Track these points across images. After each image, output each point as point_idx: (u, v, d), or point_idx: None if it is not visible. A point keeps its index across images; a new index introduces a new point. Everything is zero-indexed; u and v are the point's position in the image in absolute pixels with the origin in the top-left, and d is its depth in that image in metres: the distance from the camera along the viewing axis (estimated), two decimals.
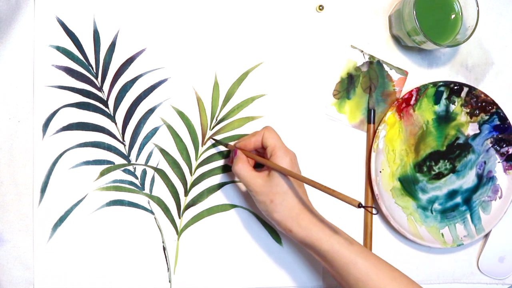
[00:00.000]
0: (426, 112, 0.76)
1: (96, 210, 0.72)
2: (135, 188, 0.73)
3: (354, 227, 0.76)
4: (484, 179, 0.77)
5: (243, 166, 0.67)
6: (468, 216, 0.77)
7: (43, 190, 0.71)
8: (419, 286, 0.64)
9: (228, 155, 0.74)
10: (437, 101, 0.76)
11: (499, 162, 0.78)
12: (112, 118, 0.73)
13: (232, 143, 0.72)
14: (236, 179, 0.74)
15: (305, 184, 0.66)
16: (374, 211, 0.56)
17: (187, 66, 0.74)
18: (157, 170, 0.73)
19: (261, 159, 0.67)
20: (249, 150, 0.69)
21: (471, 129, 0.77)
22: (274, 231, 0.75)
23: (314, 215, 0.66)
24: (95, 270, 0.72)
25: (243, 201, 0.74)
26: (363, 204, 0.56)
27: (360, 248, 0.65)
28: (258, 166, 0.70)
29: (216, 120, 0.74)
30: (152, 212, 0.73)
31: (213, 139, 0.73)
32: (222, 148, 0.74)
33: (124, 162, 0.73)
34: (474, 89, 0.76)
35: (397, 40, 0.77)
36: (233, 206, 0.74)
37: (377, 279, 0.63)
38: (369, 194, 0.75)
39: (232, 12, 0.74)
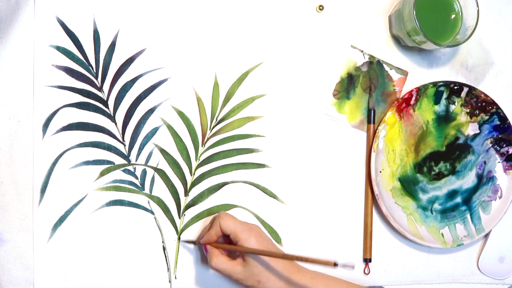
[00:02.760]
0: (426, 112, 0.76)
1: (96, 210, 0.72)
2: (135, 188, 0.73)
3: (354, 227, 0.76)
4: (484, 179, 0.77)
5: (218, 259, 0.66)
6: (468, 216, 0.77)
7: (43, 190, 0.71)
8: None
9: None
10: (437, 101, 0.76)
11: (499, 162, 0.78)
12: (112, 118, 0.73)
13: (196, 240, 0.72)
14: (238, 179, 0.74)
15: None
16: (352, 264, 0.57)
17: (187, 66, 0.74)
18: (157, 170, 0.73)
19: (230, 246, 0.67)
20: (214, 242, 0.68)
21: (471, 129, 0.77)
22: (274, 231, 0.75)
23: (304, 275, 0.66)
24: (95, 270, 0.72)
25: (243, 201, 0.74)
26: (339, 263, 0.57)
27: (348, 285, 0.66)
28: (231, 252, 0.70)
29: (216, 120, 0.74)
30: (152, 212, 0.73)
31: (182, 240, 0.73)
32: (223, 148, 0.74)
33: (124, 162, 0.73)
34: (474, 89, 0.76)
35: (397, 40, 0.77)
36: (233, 206, 0.74)
37: None
38: (369, 194, 0.75)
39: (232, 12, 0.74)
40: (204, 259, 0.73)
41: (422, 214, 0.76)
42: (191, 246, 0.73)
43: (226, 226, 0.66)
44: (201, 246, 0.71)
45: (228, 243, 0.68)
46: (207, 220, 0.74)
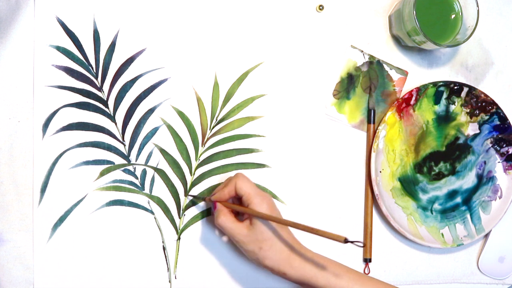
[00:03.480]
0: (426, 112, 0.76)
1: (96, 210, 0.72)
2: (135, 188, 0.73)
3: (354, 227, 0.76)
4: (484, 179, 0.77)
5: (225, 218, 0.66)
6: (468, 216, 0.77)
7: (43, 190, 0.71)
8: None
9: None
10: (437, 101, 0.76)
11: (499, 162, 0.78)
12: (112, 118, 0.73)
13: (207, 198, 0.71)
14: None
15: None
16: (360, 244, 0.56)
17: (187, 66, 0.74)
18: (157, 170, 0.73)
19: (241, 208, 0.66)
20: (225, 201, 0.68)
21: (471, 129, 0.77)
22: None
23: (304, 252, 0.65)
24: (95, 270, 0.72)
25: None
26: (349, 240, 0.56)
27: (356, 275, 0.65)
28: (238, 215, 0.69)
29: (216, 120, 0.74)
30: (152, 212, 0.73)
31: (191, 196, 0.73)
32: (223, 148, 0.74)
33: (124, 162, 0.73)
34: (474, 89, 0.76)
35: (397, 40, 0.77)
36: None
37: None
38: (369, 194, 0.75)
39: (232, 12, 0.74)
40: (204, 259, 0.73)
41: (422, 214, 0.76)
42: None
43: (241, 187, 0.66)
44: (210, 204, 0.70)
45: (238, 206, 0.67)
46: (207, 220, 0.74)
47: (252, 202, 0.65)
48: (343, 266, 0.66)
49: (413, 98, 0.75)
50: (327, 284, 0.64)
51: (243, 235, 0.65)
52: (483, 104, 0.76)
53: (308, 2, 0.75)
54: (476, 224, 0.77)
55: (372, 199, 0.75)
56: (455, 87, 0.76)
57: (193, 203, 0.74)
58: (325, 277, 0.64)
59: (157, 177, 0.73)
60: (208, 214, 0.74)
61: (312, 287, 0.65)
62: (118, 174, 0.72)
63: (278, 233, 0.65)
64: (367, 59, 0.76)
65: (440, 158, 0.77)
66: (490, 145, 0.77)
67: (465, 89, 0.76)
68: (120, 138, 0.73)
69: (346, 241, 0.57)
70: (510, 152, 0.77)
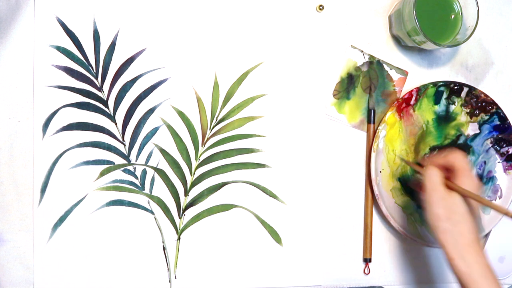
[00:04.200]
0: (426, 112, 0.76)
1: (96, 210, 0.72)
2: (135, 188, 0.73)
3: (354, 227, 0.76)
4: (484, 179, 0.77)
5: (438, 173, 0.64)
6: None
7: (43, 190, 0.71)
8: None
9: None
10: (437, 101, 0.76)
11: (499, 162, 0.78)
12: (112, 118, 0.73)
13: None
14: (238, 179, 0.74)
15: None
16: None
17: (187, 66, 0.74)
18: (157, 170, 0.73)
19: (452, 183, 0.65)
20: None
21: (471, 129, 0.77)
22: (274, 231, 0.75)
23: (481, 254, 0.62)
24: (95, 270, 0.72)
25: (243, 201, 0.74)
26: None
27: None
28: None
29: (216, 120, 0.74)
30: (152, 212, 0.73)
31: (403, 160, 0.73)
32: (223, 148, 0.74)
33: (124, 162, 0.73)
34: (474, 89, 0.76)
35: (397, 40, 0.77)
36: (233, 206, 0.74)
37: None
38: (369, 194, 0.75)
39: (232, 12, 0.74)
40: (204, 258, 0.73)
41: (422, 214, 0.76)
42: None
43: (460, 161, 0.65)
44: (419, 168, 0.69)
45: None
46: (207, 220, 0.74)
47: (465, 177, 0.64)
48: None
49: (413, 98, 0.75)
50: None
51: (440, 196, 0.63)
52: (483, 104, 0.76)
53: (308, 2, 0.75)
54: None
55: (372, 199, 0.75)
56: (455, 87, 0.76)
57: (192, 202, 0.74)
58: (489, 286, 0.61)
59: (157, 177, 0.73)
60: (208, 214, 0.74)
61: None
62: (118, 174, 0.72)
63: (469, 217, 0.63)
64: (367, 59, 0.76)
65: None
66: (490, 145, 0.77)
67: (465, 89, 0.76)
68: (120, 138, 0.73)
69: None
70: (510, 152, 0.77)
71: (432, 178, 0.65)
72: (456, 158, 0.66)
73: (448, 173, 0.66)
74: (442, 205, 0.63)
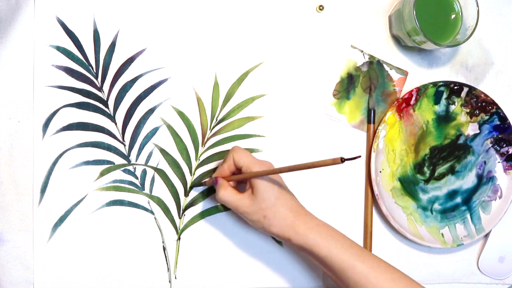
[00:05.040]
0: (426, 112, 0.76)
1: (96, 210, 0.72)
2: (135, 188, 0.73)
3: (354, 227, 0.76)
4: (484, 179, 0.77)
5: (226, 191, 0.66)
6: (468, 216, 0.77)
7: (43, 190, 0.71)
8: (421, 286, 0.64)
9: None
10: (437, 101, 0.76)
11: (499, 162, 0.78)
12: (112, 118, 0.73)
13: (208, 179, 0.72)
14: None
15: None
16: (358, 155, 0.56)
17: (187, 66, 0.74)
18: (157, 170, 0.73)
19: (240, 175, 0.67)
20: (227, 176, 0.68)
21: (471, 129, 0.77)
22: None
23: (309, 219, 0.65)
24: (95, 270, 0.72)
25: None
26: (345, 158, 0.55)
27: (358, 251, 0.64)
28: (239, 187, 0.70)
29: (216, 120, 0.74)
30: (152, 212, 0.73)
31: (196, 186, 0.73)
32: (223, 148, 0.74)
33: (124, 162, 0.73)
34: (474, 89, 0.76)
35: (397, 40, 0.77)
36: None
37: (376, 282, 0.63)
38: (369, 194, 0.75)
39: (232, 12, 0.74)
40: (204, 259, 0.73)
41: (422, 214, 0.76)
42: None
43: (239, 159, 0.66)
44: (213, 183, 0.70)
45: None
46: (207, 220, 0.74)
47: (252, 170, 0.65)
48: (347, 239, 0.65)
49: (413, 98, 0.75)
50: (328, 255, 0.64)
51: (246, 206, 0.65)
52: (483, 104, 0.76)
53: (308, 2, 0.75)
54: (476, 224, 0.77)
55: (372, 199, 0.75)
56: (455, 87, 0.76)
57: (192, 202, 0.74)
58: (327, 248, 0.64)
59: (157, 177, 0.73)
60: (208, 214, 0.74)
61: (313, 255, 0.65)
62: (118, 174, 0.72)
63: (281, 200, 0.65)
64: (367, 59, 0.76)
65: (440, 158, 0.77)
66: (490, 145, 0.77)
67: (465, 89, 0.76)
68: (120, 138, 0.73)
69: (343, 160, 0.55)
70: (510, 152, 0.77)
71: (226, 199, 0.66)
72: (235, 157, 0.67)
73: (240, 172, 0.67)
74: (252, 212, 0.65)
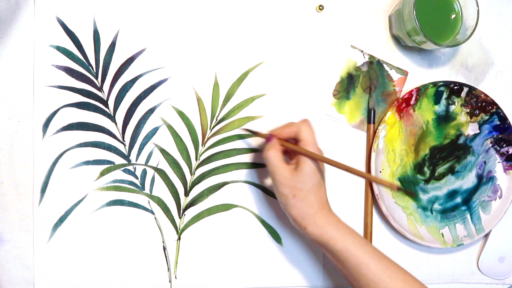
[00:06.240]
0: (426, 112, 0.76)
1: (96, 210, 0.72)
2: (135, 188, 0.73)
3: (354, 227, 0.75)
4: (484, 179, 0.77)
5: (276, 154, 0.66)
6: (468, 216, 0.77)
7: (43, 190, 0.71)
8: None
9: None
10: (437, 101, 0.76)
11: (499, 162, 0.78)
12: (112, 118, 0.73)
13: (263, 133, 0.71)
14: (238, 179, 0.74)
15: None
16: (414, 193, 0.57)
17: (187, 66, 0.74)
18: (157, 170, 0.73)
19: (295, 146, 0.66)
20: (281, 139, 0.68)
21: (471, 129, 0.77)
22: (274, 231, 0.75)
23: (331, 215, 0.66)
24: (95, 270, 0.72)
25: (243, 201, 0.74)
26: (403, 188, 0.57)
27: (374, 250, 0.65)
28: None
29: (216, 120, 0.74)
30: (152, 212, 0.73)
31: (245, 129, 0.73)
32: (223, 148, 0.74)
33: (124, 162, 0.73)
34: (474, 89, 0.76)
35: (397, 40, 0.77)
36: (233, 206, 0.74)
37: (389, 281, 0.63)
38: (369, 194, 0.75)
39: (232, 12, 0.74)
40: (204, 258, 0.73)
41: (422, 214, 0.76)
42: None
43: (304, 132, 0.66)
44: (264, 137, 0.69)
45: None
46: (207, 220, 0.74)
47: (309, 149, 0.65)
48: (364, 239, 0.66)
49: (413, 98, 0.75)
50: (343, 249, 0.64)
51: (283, 177, 0.65)
52: (483, 104, 0.76)
53: (308, 2, 0.75)
54: (476, 224, 0.77)
55: (372, 199, 0.75)
56: (455, 87, 0.76)
57: (193, 202, 0.74)
58: (344, 243, 0.64)
59: (157, 177, 0.73)
60: (208, 214, 0.74)
61: (328, 249, 0.65)
62: (118, 174, 0.72)
63: (316, 188, 0.65)
64: (367, 59, 0.76)
65: (440, 158, 0.77)
66: (490, 145, 0.77)
67: (465, 89, 0.76)
68: (120, 138, 0.73)
69: (399, 189, 0.57)
70: (510, 152, 0.77)
71: (271, 160, 0.66)
72: (302, 130, 0.66)
73: (296, 143, 0.67)
74: (285, 185, 0.65)
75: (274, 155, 0.66)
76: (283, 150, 0.67)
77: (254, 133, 0.72)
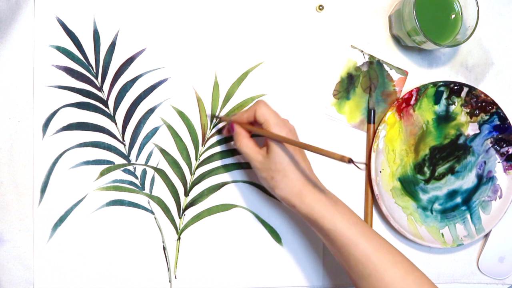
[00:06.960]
0: (426, 112, 0.76)
1: (96, 210, 0.72)
2: (135, 188, 0.73)
3: None
4: (484, 179, 0.77)
5: (245, 142, 0.66)
6: (468, 216, 0.77)
7: (43, 190, 0.71)
8: (421, 272, 0.63)
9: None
10: (437, 101, 0.76)
11: (499, 162, 0.78)
12: (112, 118, 0.73)
13: (224, 126, 0.71)
14: (238, 179, 0.74)
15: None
16: (362, 166, 0.55)
17: (187, 66, 0.74)
18: (157, 170, 0.73)
19: (257, 129, 0.65)
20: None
21: (471, 129, 0.77)
22: (274, 231, 0.75)
23: (318, 191, 0.64)
24: (95, 270, 0.72)
25: (243, 201, 0.74)
26: (354, 160, 0.54)
27: (364, 228, 0.63)
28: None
29: (216, 120, 0.74)
30: (152, 212, 0.73)
31: (215, 116, 0.73)
32: (223, 148, 0.74)
33: (124, 162, 0.73)
34: (474, 89, 0.76)
35: (397, 40, 0.77)
36: (233, 206, 0.74)
37: (378, 262, 0.61)
38: (369, 194, 0.75)
39: (232, 12, 0.74)
40: (204, 258, 0.73)
41: (422, 214, 0.76)
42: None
43: (261, 114, 0.65)
44: (227, 125, 0.69)
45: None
46: (207, 220, 0.74)
47: (271, 130, 0.64)
48: (354, 215, 0.64)
49: (413, 98, 0.75)
50: (332, 228, 0.62)
51: (258, 161, 0.65)
52: (483, 104, 0.76)
53: (308, 2, 0.75)
54: (476, 224, 0.77)
55: (372, 199, 0.75)
56: (455, 87, 0.76)
57: (192, 202, 0.74)
58: (332, 221, 0.62)
59: (157, 177, 0.73)
60: (208, 214, 0.74)
61: (317, 227, 0.64)
62: (118, 174, 0.72)
63: (292, 166, 0.64)
64: (367, 59, 0.76)
65: (440, 158, 0.77)
66: (490, 145, 0.77)
67: (465, 89, 0.76)
68: (120, 138, 0.73)
69: (350, 161, 0.54)
70: (510, 152, 0.77)
71: (243, 149, 0.66)
72: (258, 111, 0.65)
73: (258, 125, 0.66)
74: (262, 169, 0.65)
75: (244, 144, 0.66)
76: (250, 135, 0.67)
77: (217, 119, 0.72)
